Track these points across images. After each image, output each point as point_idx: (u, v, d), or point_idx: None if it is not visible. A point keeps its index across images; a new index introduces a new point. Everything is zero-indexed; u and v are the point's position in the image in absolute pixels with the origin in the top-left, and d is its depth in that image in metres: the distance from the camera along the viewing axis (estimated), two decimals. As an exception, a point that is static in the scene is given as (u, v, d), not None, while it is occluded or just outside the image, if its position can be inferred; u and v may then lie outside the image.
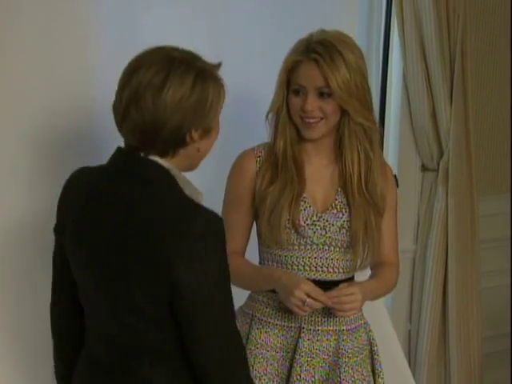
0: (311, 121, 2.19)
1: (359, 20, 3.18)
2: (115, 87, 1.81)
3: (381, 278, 2.33)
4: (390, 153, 3.43)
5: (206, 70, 1.80)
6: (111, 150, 1.88)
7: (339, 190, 2.29)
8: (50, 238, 1.96)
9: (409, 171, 3.47)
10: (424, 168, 3.49)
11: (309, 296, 2.15)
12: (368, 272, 2.40)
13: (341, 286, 2.21)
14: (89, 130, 2.49)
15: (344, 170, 2.27)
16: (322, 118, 2.19)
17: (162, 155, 1.79)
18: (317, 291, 2.17)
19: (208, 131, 1.83)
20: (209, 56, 1.86)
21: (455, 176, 3.38)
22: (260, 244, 2.35)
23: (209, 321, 1.76)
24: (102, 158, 2.16)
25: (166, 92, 1.74)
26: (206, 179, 2.07)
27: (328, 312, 2.26)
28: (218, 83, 1.82)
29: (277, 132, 2.25)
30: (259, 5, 2.78)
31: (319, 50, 2.15)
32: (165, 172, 1.79)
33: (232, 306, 1.81)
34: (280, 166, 2.24)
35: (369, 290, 2.26)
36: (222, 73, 1.88)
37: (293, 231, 2.25)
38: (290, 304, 2.17)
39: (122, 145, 1.86)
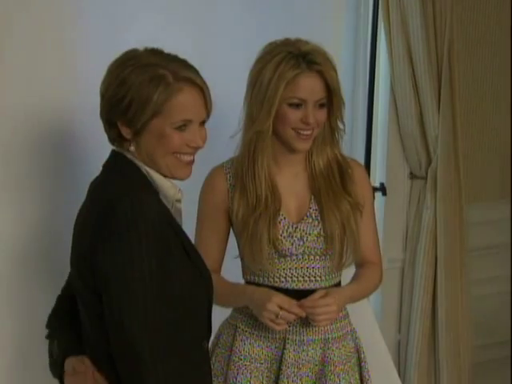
0: (308, 133, 2.19)
1: (345, 27, 3.19)
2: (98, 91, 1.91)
3: (362, 279, 2.34)
4: (378, 160, 3.43)
5: (145, 68, 1.81)
6: (92, 154, 1.99)
7: (312, 197, 2.28)
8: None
9: (397, 179, 3.46)
10: (412, 176, 3.48)
11: (282, 308, 2.16)
12: (353, 270, 2.42)
13: (316, 294, 2.21)
14: (70, 134, 2.52)
15: (315, 175, 2.27)
16: (313, 129, 2.20)
17: (122, 147, 1.87)
18: (289, 303, 2.17)
19: (137, 132, 1.84)
20: (194, 63, 1.90)
21: (443, 183, 3.38)
22: (241, 258, 2.36)
23: (115, 314, 1.73)
24: (82, 162, 2.37)
25: (104, 77, 1.86)
26: (190, 187, 2.08)
27: None
28: (154, 85, 1.81)
29: (257, 152, 2.22)
30: (245, 13, 2.82)
31: (318, 60, 2.15)
32: (121, 160, 1.86)
33: (148, 307, 1.74)
34: (255, 191, 2.23)
35: (348, 295, 2.27)
36: (207, 80, 1.89)
37: (272, 248, 2.25)
38: (263, 319, 2.17)
39: (103, 149, 1.95)
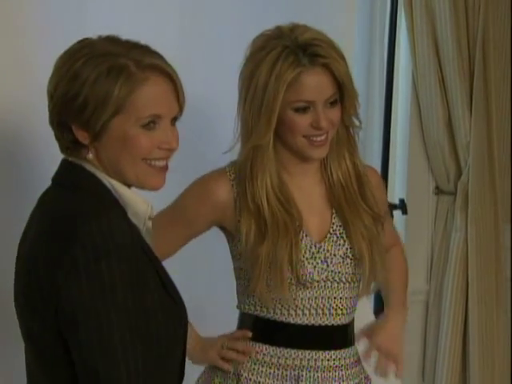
0: (322, 138, 2.10)
1: (358, 11, 3.11)
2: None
3: (397, 282, 2.36)
4: (398, 173, 3.34)
5: (101, 58, 1.73)
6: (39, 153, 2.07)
7: (334, 212, 2.20)
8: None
9: (420, 195, 3.36)
10: (439, 191, 3.37)
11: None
12: None
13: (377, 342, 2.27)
14: (15, 138, 2.44)
15: (332, 185, 2.20)
16: (327, 132, 2.13)
17: (77, 156, 1.78)
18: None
19: (96, 135, 1.75)
20: (179, 56, 1.86)
21: (477, 200, 3.29)
22: (240, 284, 2.21)
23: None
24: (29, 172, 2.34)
25: (52, 74, 1.78)
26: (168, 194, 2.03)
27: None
28: (113, 77, 1.72)
29: (255, 171, 2.13)
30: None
31: (322, 51, 2.05)
32: (77, 171, 1.78)
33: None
34: (264, 215, 2.14)
35: (403, 315, 2.33)
36: (195, 78, 1.95)
37: (294, 273, 2.15)
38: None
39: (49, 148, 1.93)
